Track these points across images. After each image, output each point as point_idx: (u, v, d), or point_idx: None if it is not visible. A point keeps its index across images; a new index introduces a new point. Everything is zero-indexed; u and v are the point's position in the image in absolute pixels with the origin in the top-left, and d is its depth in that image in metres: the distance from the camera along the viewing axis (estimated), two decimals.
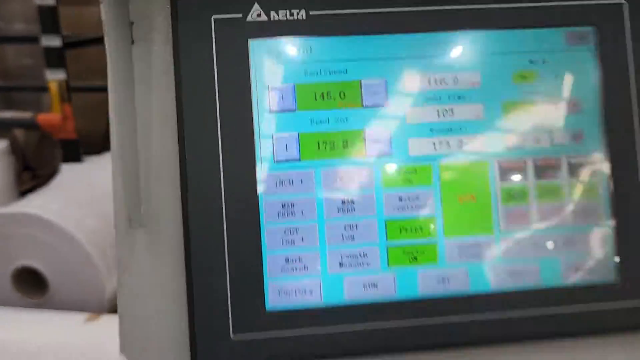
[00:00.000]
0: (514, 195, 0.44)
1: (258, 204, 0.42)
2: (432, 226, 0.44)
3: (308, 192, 0.43)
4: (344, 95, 0.44)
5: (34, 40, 2.34)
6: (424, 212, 0.44)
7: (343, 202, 0.43)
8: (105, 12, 0.39)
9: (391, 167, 0.44)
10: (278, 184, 0.43)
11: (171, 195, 0.42)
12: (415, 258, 0.43)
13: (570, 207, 0.45)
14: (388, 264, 0.43)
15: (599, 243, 0.45)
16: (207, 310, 0.41)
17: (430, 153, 0.44)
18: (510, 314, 0.43)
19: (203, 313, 0.41)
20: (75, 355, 1.41)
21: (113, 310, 1.97)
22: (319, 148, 0.43)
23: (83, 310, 1.72)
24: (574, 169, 0.45)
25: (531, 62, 0.45)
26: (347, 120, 0.44)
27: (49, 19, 2.25)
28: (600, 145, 0.45)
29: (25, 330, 1.52)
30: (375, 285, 0.43)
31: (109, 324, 1.54)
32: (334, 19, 0.43)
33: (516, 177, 0.44)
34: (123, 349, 0.43)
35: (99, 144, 2.75)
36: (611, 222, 0.45)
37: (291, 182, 0.43)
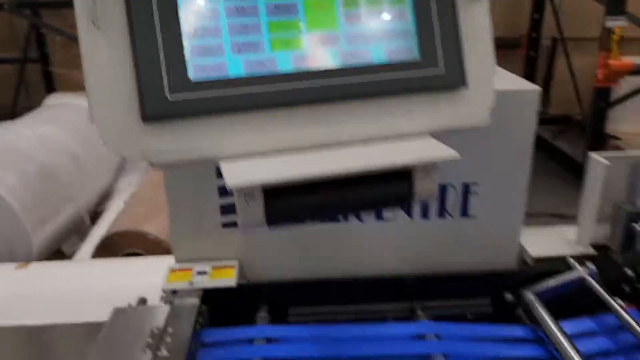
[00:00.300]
0: (350, 3, 0.67)
1: (178, 13, 0.62)
2: (299, 25, 0.66)
3: (214, 3, 0.64)
4: None
5: None
6: (293, 16, 0.66)
7: (237, 9, 0.64)
8: None
9: None
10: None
11: (118, 4, 0.61)
12: (289, 45, 0.65)
13: (387, 10, 0.69)
14: (271, 50, 0.65)
15: (406, 32, 0.69)
16: (150, 80, 0.61)
17: None
18: (352, 80, 0.66)
19: (147, 83, 0.61)
20: (10, 300, 1.46)
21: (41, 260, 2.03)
22: None
23: None
24: None
25: None
26: None
27: None
28: None
29: None
30: (264, 64, 0.65)
31: (39, 270, 1.62)
32: None
33: None
34: (92, 119, 0.61)
35: (8, 113, 2.77)
36: (415, 20, 0.69)
37: None
